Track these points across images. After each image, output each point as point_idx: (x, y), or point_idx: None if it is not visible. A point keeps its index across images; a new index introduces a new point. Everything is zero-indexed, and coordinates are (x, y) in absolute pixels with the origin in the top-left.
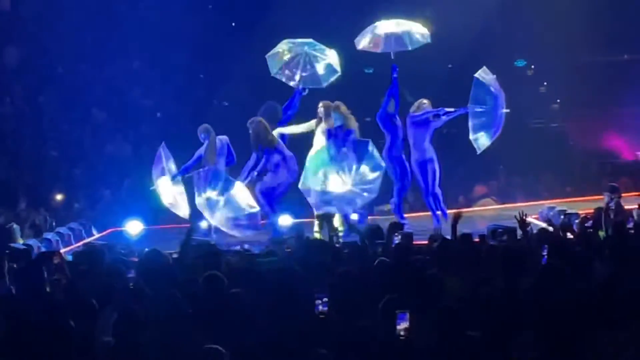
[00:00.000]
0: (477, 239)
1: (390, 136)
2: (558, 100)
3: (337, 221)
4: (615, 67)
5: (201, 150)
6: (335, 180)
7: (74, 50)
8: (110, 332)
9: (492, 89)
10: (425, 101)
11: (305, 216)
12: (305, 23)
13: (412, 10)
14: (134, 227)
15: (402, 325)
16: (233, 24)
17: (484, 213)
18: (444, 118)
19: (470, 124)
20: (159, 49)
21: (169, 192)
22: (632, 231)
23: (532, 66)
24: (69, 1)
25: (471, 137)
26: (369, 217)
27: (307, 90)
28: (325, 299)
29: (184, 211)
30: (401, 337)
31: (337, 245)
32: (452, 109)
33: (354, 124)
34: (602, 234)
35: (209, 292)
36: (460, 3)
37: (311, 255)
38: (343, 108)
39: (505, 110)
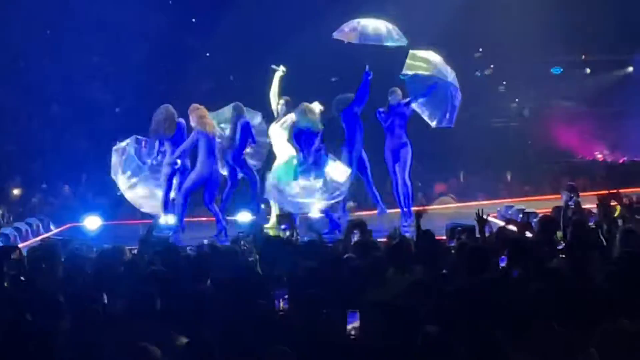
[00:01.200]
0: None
1: (355, 133)
2: (517, 100)
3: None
4: (574, 67)
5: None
6: (305, 188)
7: (32, 44)
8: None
9: (422, 74)
10: (399, 91)
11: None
12: (266, 20)
13: (372, 10)
14: (92, 223)
15: (353, 324)
16: (193, 20)
17: (443, 211)
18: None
19: (425, 116)
20: (119, 44)
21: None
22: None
23: (492, 65)
24: None
25: (434, 124)
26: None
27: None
28: (285, 296)
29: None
30: (351, 337)
31: (296, 242)
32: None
33: (320, 127)
34: (559, 234)
35: (168, 287)
36: (422, 2)
37: (270, 252)
38: (310, 110)
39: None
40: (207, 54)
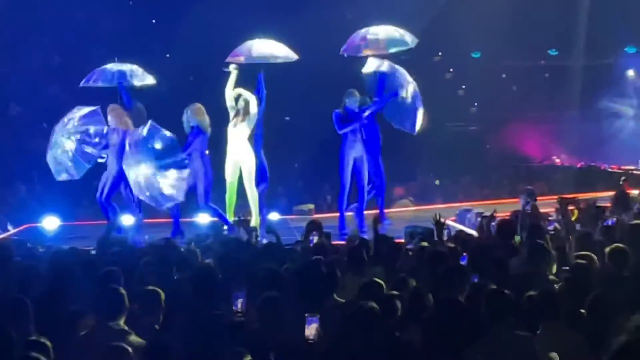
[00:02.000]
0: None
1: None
2: (476, 104)
3: (254, 221)
4: (533, 72)
5: None
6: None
7: None
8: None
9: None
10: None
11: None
12: (224, 20)
13: (330, 13)
14: (50, 223)
15: (312, 329)
16: (154, 21)
17: (402, 214)
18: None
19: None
20: (79, 44)
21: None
22: (552, 234)
23: (451, 69)
24: None
25: (397, 126)
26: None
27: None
28: (241, 299)
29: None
30: (310, 340)
31: (255, 244)
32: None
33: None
34: (517, 238)
35: (126, 288)
36: (381, 4)
37: (229, 254)
38: (201, 111)
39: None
40: (167, 55)
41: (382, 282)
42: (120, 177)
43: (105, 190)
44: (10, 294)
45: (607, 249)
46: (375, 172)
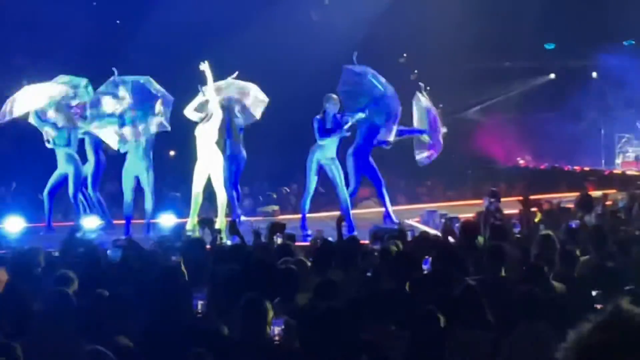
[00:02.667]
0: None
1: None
2: (441, 105)
3: (218, 223)
4: (497, 73)
5: None
6: None
7: None
8: None
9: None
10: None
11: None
12: (190, 21)
13: (295, 16)
14: (13, 224)
15: (277, 330)
16: (118, 22)
17: (366, 215)
18: None
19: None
20: (44, 45)
21: None
22: (517, 236)
23: (415, 71)
24: None
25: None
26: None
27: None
28: (202, 300)
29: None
30: (275, 341)
31: (218, 245)
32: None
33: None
34: (481, 239)
35: (88, 290)
36: (344, 8)
37: (191, 254)
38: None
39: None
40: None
41: (335, 282)
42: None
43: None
44: None
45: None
46: (368, 172)
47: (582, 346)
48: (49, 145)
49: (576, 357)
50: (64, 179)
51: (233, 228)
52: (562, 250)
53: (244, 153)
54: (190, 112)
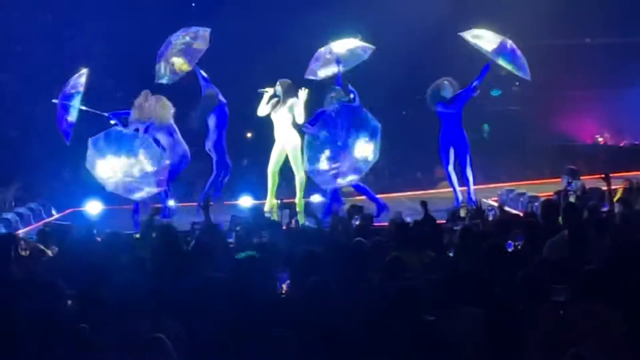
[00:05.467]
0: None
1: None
2: (517, 83)
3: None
4: (575, 50)
5: None
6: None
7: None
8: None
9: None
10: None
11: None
12: (171, 20)
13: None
14: (93, 207)
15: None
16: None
17: (444, 195)
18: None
19: None
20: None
21: None
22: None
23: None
24: None
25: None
26: None
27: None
28: (287, 280)
29: None
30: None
31: (296, 227)
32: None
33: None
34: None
35: (170, 273)
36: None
37: (271, 236)
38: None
39: None
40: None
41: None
42: None
43: None
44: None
45: None
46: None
47: None
48: None
49: None
50: None
51: (308, 209)
52: None
53: None
54: (262, 110)
